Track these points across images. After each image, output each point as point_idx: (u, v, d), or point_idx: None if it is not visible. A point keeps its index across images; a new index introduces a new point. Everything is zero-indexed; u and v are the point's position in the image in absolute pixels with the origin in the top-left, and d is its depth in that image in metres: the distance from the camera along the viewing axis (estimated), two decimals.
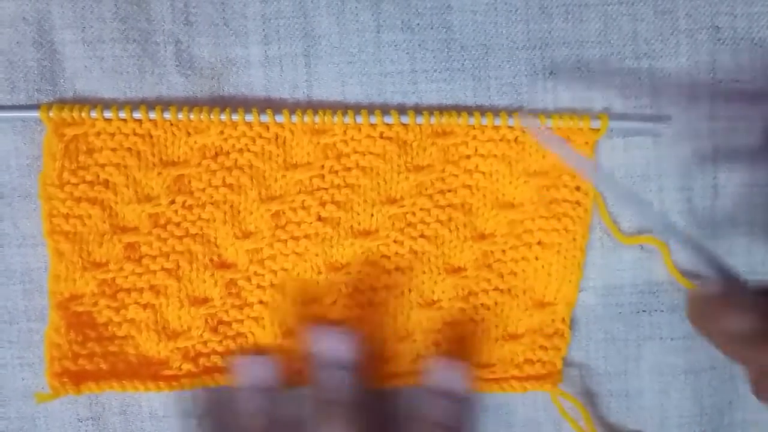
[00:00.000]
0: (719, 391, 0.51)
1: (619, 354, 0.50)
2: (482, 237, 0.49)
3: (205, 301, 0.48)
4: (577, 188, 0.48)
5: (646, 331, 0.50)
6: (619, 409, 0.51)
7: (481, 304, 0.49)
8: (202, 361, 0.48)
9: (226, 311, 0.48)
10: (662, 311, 0.50)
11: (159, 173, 0.47)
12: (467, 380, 0.47)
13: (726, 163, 0.49)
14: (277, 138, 0.47)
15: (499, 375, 0.49)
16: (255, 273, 0.48)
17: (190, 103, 0.48)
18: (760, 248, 0.50)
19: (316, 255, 0.48)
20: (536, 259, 0.49)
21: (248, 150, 0.47)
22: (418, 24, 0.48)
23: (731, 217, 0.50)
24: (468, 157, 0.48)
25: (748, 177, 0.49)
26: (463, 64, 0.48)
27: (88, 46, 0.47)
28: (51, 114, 0.46)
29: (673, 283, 0.50)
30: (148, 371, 0.48)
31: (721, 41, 0.49)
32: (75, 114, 0.46)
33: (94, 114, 0.46)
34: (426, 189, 0.48)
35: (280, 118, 0.47)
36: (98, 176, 0.47)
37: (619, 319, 0.50)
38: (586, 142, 0.47)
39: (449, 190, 0.48)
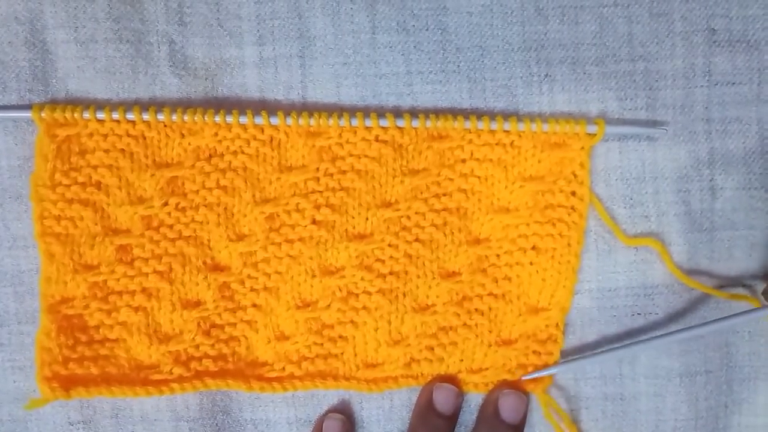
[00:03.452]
0: (715, 394, 0.51)
1: (614, 357, 0.50)
2: (477, 241, 0.49)
3: (198, 304, 0.48)
4: (573, 193, 0.48)
5: (641, 334, 0.50)
6: (614, 412, 0.51)
7: (475, 309, 0.49)
8: (193, 365, 0.48)
9: (219, 314, 0.48)
10: (657, 314, 0.50)
11: (152, 175, 0.47)
12: (527, 408, 0.49)
13: (722, 166, 0.49)
14: (271, 140, 0.47)
15: (489, 379, 0.49)
16: (248, 276, 0.48)
17: (184, 104, 0.47)
18: (760, 251, 0.50)
19: (311, 258, 0.48)
20: (531, 264, 0.48)
21: (242, 152, 0.47)
22: (414, 25, 0.48)
23: (730, 219, 0.49)
24: (463, 161, 0.48)
25: (745, 180, 0.49)
26: (458, 66, 0.48)
27: (80, 46, 0.47)
28: (43, 114, 0.45)
29: (669, 286, 0.50)
30: (138, 375, 0.47)
31: (717, 43, 0.49)
32: (67, 114, 0.45)
33: (86, 115, 0.46)
34: (421, 193, 0.48)
35: (274, 120, 0.46)
36: (90, 177, 0.46)
37: (614, 322, 0.50)
38: (582, 147, 0.47)
39: (444, 194, 0.48)
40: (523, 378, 0.49)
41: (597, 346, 0.50)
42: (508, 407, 0.48)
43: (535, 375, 0.49)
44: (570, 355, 0.50)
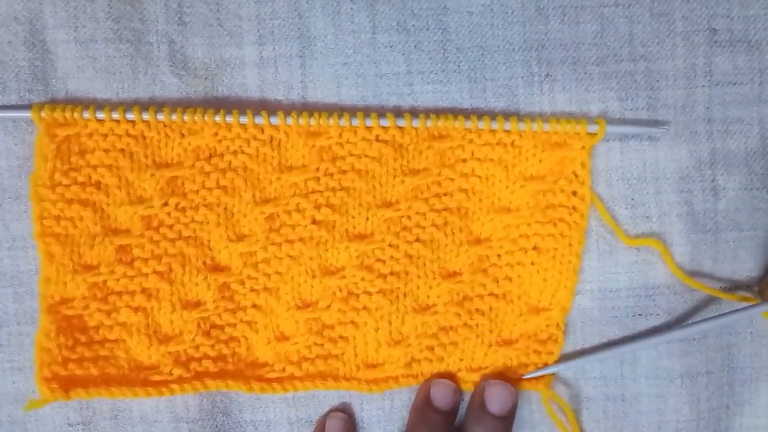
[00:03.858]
0: (716, 395, 0.50)
1: (615, 358, 0.50)
2: (478, 241, 0.48)
3: (198, 304, 0.47)
4: (574, 193, 0.48)
5: (642, 335, 0.50)
6: (615, 413, 0.51)
7: (476, 309, 0.49)
8: (193, 366, 0.48)
9: (219, 315, 0.48)
10: (658, 314, 0.50)
11: (152, 175, 0.46)
12: (515, 400, 0.48)
13: (724, 167, 0.49)
14: (271, 140, 0.47)
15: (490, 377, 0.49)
16: (248, 276, 0.48)
17: (184, 104, 0.47)
18: (763, 253, 0.50)
19: (311, 258, 0.48)
20: (532, 264, 0.48)
21: (242, 152, 0.47)
22: (414, 25, 0.48)
23: (734, 220, 0.49)
24: (464, 160, 0.48)
25: (747, 180, 0.49)
26: (459, 66, 0.48)
27: (80, 45, 0.47)
28: (43, 114, 0.45)
29: (670, 287, 0.49)
30: (138, 376, 0.47)
31: (718, 43, 0.49)
32: (67, 114, 0.45)
33: (86, 114, 0.45)
34: (422, 192, 0.48)
35: (275, 120, 0.46)
36: (90, 177, 0.46)
37: (615, 323, 0.50)
38: (583, 147, 0.47)
39: (445, 194, 0.48)
40: (524, 377, 0.49)
41: (598, 347, 0.50)
42: (493, 398, 0.47)
43: (536, 374, 0.49)
44: (570, 355, 0.50)
